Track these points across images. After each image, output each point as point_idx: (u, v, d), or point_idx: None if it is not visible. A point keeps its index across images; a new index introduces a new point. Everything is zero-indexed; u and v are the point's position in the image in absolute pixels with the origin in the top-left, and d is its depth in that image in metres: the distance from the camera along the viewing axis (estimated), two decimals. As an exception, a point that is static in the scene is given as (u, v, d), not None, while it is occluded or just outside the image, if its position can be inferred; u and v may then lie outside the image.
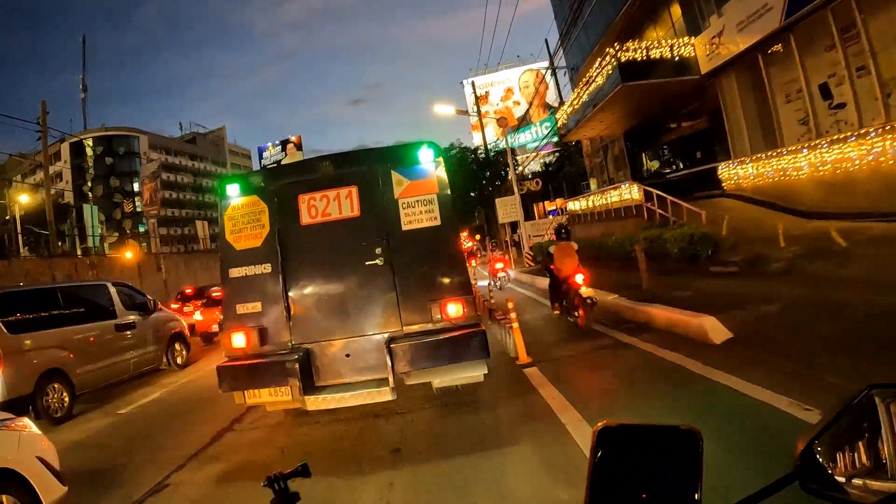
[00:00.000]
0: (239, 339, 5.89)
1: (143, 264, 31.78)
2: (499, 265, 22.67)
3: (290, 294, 5.98)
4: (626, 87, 18.54)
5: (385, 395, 5.51)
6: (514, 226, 46.60)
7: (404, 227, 5.87)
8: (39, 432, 4.81)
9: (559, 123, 28.52)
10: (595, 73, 20.67)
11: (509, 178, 42.35)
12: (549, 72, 42.35)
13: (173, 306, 21.78)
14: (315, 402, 5.62)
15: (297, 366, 5.52)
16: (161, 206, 79.98)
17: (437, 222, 5.86)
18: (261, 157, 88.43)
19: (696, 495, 0.91)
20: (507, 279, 22.55)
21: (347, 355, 5.85)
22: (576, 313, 9.79)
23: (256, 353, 5.85)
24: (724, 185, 17.88)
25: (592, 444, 1.01)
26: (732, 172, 17.65)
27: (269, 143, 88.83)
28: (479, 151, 43.21)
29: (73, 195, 73.25)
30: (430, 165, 6.01)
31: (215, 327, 17.79)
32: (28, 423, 4.76)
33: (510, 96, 64.25)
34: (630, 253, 15.47)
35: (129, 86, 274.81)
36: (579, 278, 9.53)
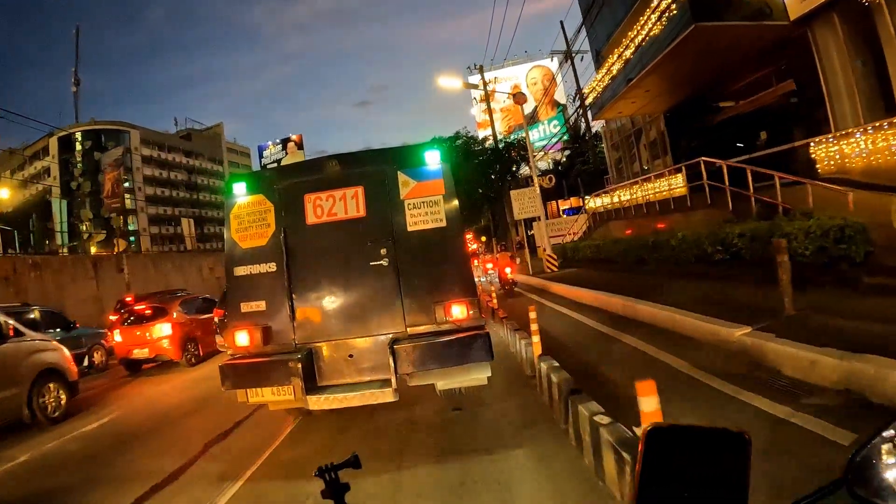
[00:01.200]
0: (242, 338, 5.83)
1: (101, 265, 27.17)
2: (507, 269, 20.45)
3: (295, 293, 5.90)
4: (700, 28, 14.00)
5: (387, 396, 5.38)
6: (527, 224, 42.21)
7: (410, 228, 5.80)
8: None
9: (589, 99, 23.88)
10: (643, 27, 16.08)
11: (522, 171, 38.66)
12: (566, 60, 37.69)
13: (112, 318, 17.63)
14: (317, 402, 5.50)
15: (299, 365, 5.42)
16: (152, 203, 78.41)
17: (443, 224, 5.79)
18: (261, 156, 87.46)
19: (744, 493, 0.89)
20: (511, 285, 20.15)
21: (350, 355, 5.78)
22: None
23: (260, 352, 5.79)
24: (817, 167, 13.42)
25: (642, 445, 0.99)
26: (832, 150, 13.13)
27: (270, 142, 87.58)
28: (486, 143, 38.53)
29: (59, 191, 69.32)
30: (437, 167, 5.90)
31: (141, 352, 13.19)
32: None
33: (515, 91, 59.94)
34: (710, 256, 10.91)
35: (130, 87, 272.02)
36: None
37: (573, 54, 36.89)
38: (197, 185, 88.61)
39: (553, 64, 56.13)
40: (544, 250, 23.56)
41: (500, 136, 39.59)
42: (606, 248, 18.53)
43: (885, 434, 0.92)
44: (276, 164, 76.61)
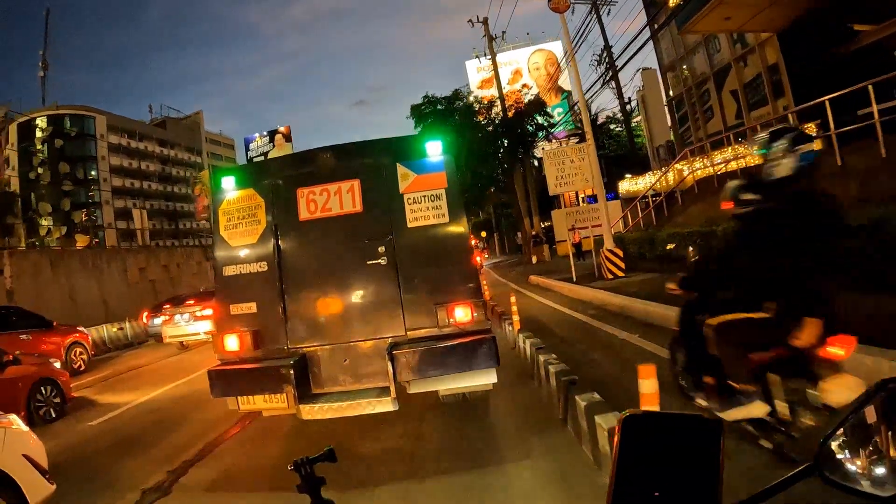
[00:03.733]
0: (232, 342, 5.49)
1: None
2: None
3: (287, 294, 5.52)
4: None
5: (386, 405, 5.01)
6: (542, 213, 33.73)
7: (410, 224, 5.41)
8: (27, 429, 4.65)
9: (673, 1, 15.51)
10: None
11: (540, 146, 30.77)
12: (592, 11, 29.18)
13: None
14: (310, 412, 5.11)
15: (291, 372, 5.05)
16: (119, 195, 70.69)
17: (445, 219, 5.40)
18: (247, 149, 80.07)
19: (717, 484, 0.90)
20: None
21: (346, 361, 5.42)
22: None
23: (250, 357, 5.45)
24: None
25: (618, 432, 1.00)
26: None
27: (257, 134, 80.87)
28: (493, 110, 30.02)
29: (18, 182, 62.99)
30: (439, 158, 5.49)
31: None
32: (14, 419, 4.57)
33: (518, 79, 54.91)
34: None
35: (122, 85, 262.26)
36: None
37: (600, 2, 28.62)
38: (172, 177, 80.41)
39: (557, 47, 50.41)
40: (608, 246, 15.07)
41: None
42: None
43: (852, 419, 0.92)
44: (263, 157, 70.76)
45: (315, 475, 1.46)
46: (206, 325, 14.55)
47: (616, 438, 1.00)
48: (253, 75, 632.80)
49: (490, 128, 29.05)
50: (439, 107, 28.49)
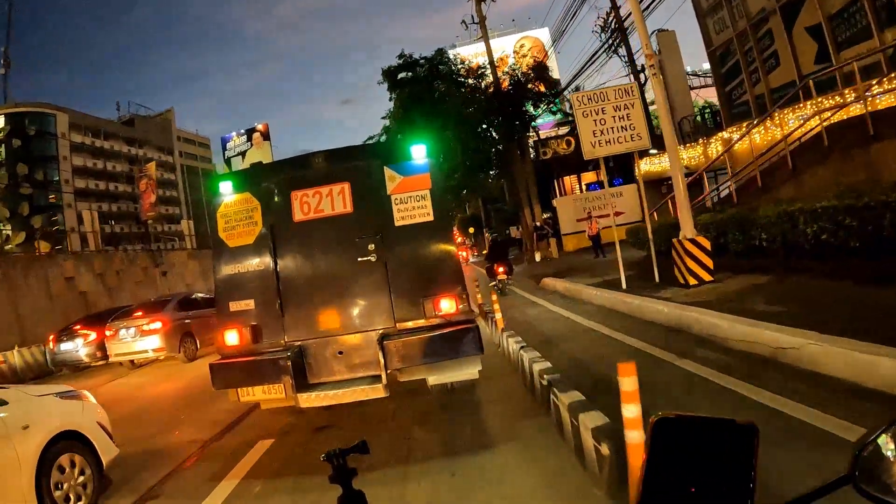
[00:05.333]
0: (232, 337, 5.72)
1: None
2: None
3: (283, 291, 5.72)
4: None
5: (378, 392, 5.24)
6: (543, 203, 29.05)
7: (397, 223, 5.64)
8: (96, 402, 5.55)
9: None
10: None
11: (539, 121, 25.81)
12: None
13: None
14: (308, 400, 5.34)
15: (289, 363, 5.27)
16: (84, 198, 65.42)
17: (430, 218, 5.63)
18: (224, 148, 75.67)
19: (751, 490, 0.87)
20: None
21: (340, 352, 5.62)
22: None
23: (249, 351, 5.66)
24: None
25: (648, 435, 0.97)
26: None
27: (234, 133, 76.66)
28: (484, 79, 25.04)
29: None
30: (423, 161, 5.69)
31: None
32: (87, 394, 5.56)
33: (503, 66, 49.32)
34: None
35: (105, 87, 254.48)
36: None
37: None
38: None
39: (544, 34, 48.31)
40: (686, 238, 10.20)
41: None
42: None
43: (892, 428, 0.88)
44: (240, 157, 70.15)
45: (347, 466, 1.46)
46: (155, 341, 13.25)
47: (646, 441, 0.96)
48: (237, 76, 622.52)
49: (482, 98, 24.16)
50: (419, 70, 23.55)
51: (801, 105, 14.23)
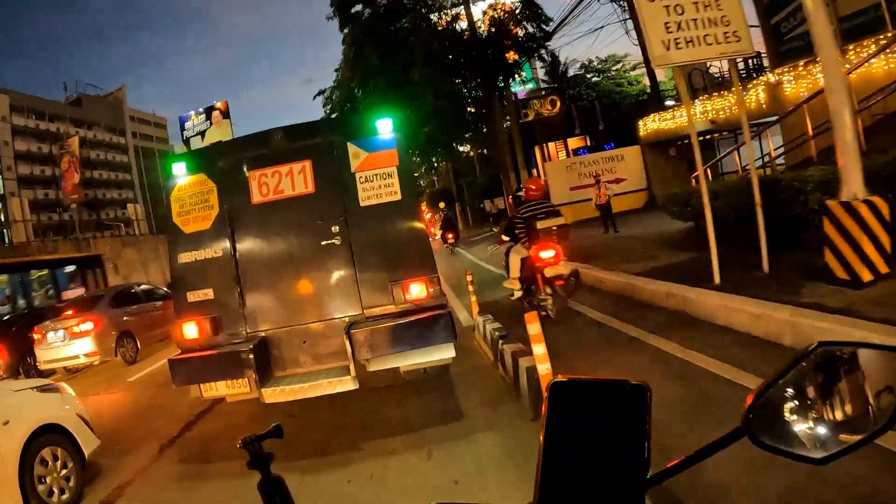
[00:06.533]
0: (191, 330, 5.40)
1: None
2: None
3: (243, 279, 5.43)
4: None
5: (346, 384, 4.94)
6: (528, 162, 25.21)
7: (362, 203, 5.33)
8: (74, 394, 5.54)
9: None
10: None
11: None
12: None
13: None
14: (273, 395, 5.01)
15: (251, 356, 4.96)
16: (29, 185, 60.43)
17: (398, 197, 5.31)
18: (182, 128, 70.17)
19: (645, 449, 0.88)
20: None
21: (306, 342, 5.36)
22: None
23: (210, 344, 5.36)
24: None
25: (545, 399, 0.96)
26: None
27: (193, 112, 70.84)
28: (457, 22, 20.46)
29: None
30: (389, 136, 5.36)
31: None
32: (66, 386, 5.56)
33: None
34: None
35: (63, 72, 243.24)
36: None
37: None
38: (91, 161, 69.48)
39: None
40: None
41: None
42: None
43: (784, 379, 0.89)
44: (199, 136, 63.54)
45: (263, 452, 1.39)
46: (87, 345, 11.60)
47: (544, 406, 0.96)
48: (197, 59, 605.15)
49: (457, 36, 19.61)
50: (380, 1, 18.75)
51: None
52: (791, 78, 14.00)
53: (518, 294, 8.26)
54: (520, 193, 9.09)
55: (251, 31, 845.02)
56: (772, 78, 15.30)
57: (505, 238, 8.76)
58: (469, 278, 8.78)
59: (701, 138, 22.42)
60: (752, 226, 6.77)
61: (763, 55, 18.28)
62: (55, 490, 4.66)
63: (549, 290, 7.65)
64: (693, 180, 13.70)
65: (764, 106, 15.72)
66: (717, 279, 6.72)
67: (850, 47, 11.75)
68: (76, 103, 72.83)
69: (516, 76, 20.55)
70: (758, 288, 6.04)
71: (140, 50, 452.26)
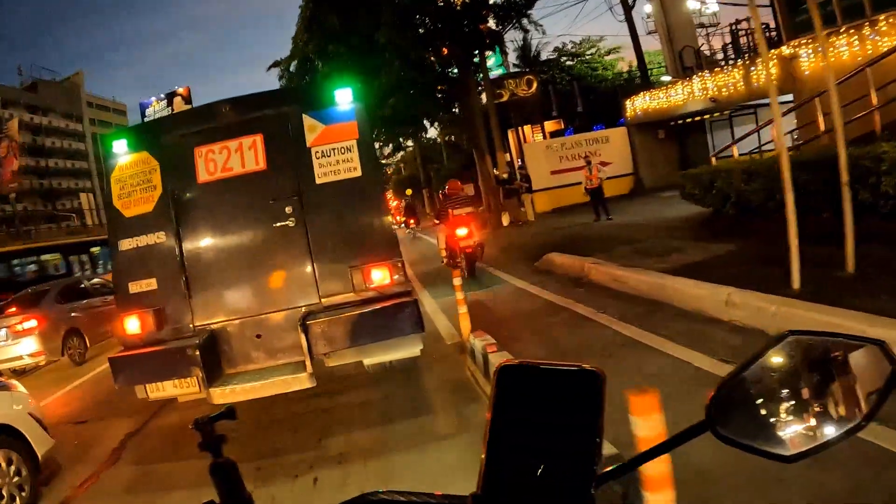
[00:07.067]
0: (133, 324, 4.93)
1: None
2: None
3: (189, 266, 4.98)
4: None
5: (302, 382, 4.51)
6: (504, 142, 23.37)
7: (318, 181, 4.87)
8: (26, 391, 5.12)
9: None
10: None
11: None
12: None
13: None
14: (222, 395, 4.52)
15: (198, 353, 4.52)
16: None
17: (358, 173, 4.85)
18: (143, 115, 66.91)
19: (598, 436, 0.84)
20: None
21: (259, 335, 4.90)
22: None
23: (154, 340, 4.90)
24: None
25: (493, 383, 0.92)
26: None
27: (154, 98, 67.73)
28: None
29: None
30: (349, 107, 4.93)
31: None
32: (17, 384, 5.19)
33: None
34: None
35: (20, 58, 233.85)
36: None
37: None
38: (46, 149, 66.21)
39: None
40: None
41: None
42: None
43: (746, 373, 0.85)
44: (167, 115, 61.37)
45: (215, 433, 1.30)
46: (30, 345, 10.51)
47: (491, 391, 0.92)
48: (159, 46, 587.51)
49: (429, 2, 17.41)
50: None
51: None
52: (809, 51, 12.36)
53: (445, 260, 11.76)
54: (445, 191, 11.84)
55: (217, 15, 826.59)
56: (786, 51, 13.67)
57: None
58: (457, 281, 6.67)
59: (690, 120, 20.93)
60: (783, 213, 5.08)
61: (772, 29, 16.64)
62: (5, 495, 4.33)
63: (462, 255, 10.77)
64: (713, 160, 12.02)
65: (775, 82, 14.15)
66: (796, 283, 5.00)
67: (881, 17, 10.30)
68: (31, 88, 69.15)
69: (496, 47, 18.50)
70: (852, 295, 4.36)
71: (102, 35, 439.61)
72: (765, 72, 14.41)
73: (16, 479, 4.44)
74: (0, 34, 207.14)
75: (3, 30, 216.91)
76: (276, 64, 18.16)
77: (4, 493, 4.32)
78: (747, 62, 15.28)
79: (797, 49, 13.40)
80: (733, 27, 17.64)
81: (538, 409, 0.89)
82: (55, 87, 72.84)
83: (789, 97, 14.20)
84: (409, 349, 4.93)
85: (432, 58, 17.50)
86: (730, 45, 21.18)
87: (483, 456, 0.87)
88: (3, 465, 4.37)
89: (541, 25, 18.07)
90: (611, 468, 0.84)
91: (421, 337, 4.90)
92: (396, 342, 4.75)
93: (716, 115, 20.27)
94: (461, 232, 10.60)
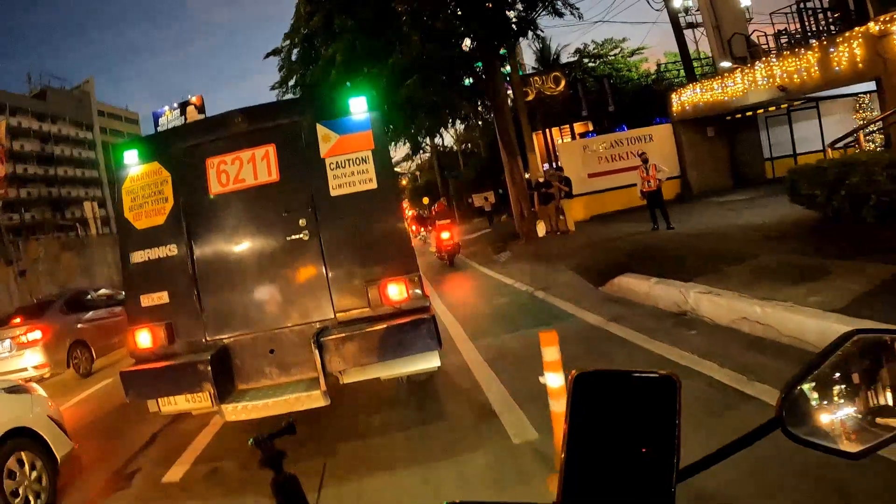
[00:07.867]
0: (144, 338, 4.85)
1: None
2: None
3: (200, 280, 4.86)
4: None
5: (316, 400, 4.36)
6: (522, 153, 20.94)
7: (333, 193, 4.75)
8: (46, 395, 5.15)
9: None
10: None
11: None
12: None
13: None
14: (234, 412, 4.44)
15: (209, 368, 4.41)
16: None
17: (373, 185, 4.70)
18: (156, 125, 66.33)
19: (675, 442, 0.83)
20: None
21: (272, 351, 4.75)
22: None
23: (165, 353, 4.80)
24: None
25: (569, 392, 0.90)
26: None
27: (167, 107, 67.15)
28: None
29: None
30: (364, 116, 4.76)
31: None
32: (36, 387, 5.20)
33: None
34: None
35: (34, 66, 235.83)
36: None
37: None
38: (55, 158, 65.07)
39: None
40: None
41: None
42: None
43: (817, 371, 0.85)
44: (179, 126, 60.56)
45: (275, 449, 1.37)
46: (35, 357, 10.34)
47: (567, 399, 0.91)
48: (179, 51, 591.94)
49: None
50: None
51: None
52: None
53: (436, 256, 17.24)
54: (435, 209, 13.77)
55: (228, 21, 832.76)
56: (874, 28, 11.42)
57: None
58: (543, 380, 4.29)
59: (741, 116, 18.66)
60: None
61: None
62: (31, 497, 4.35)
63: (445, 251, 16.21)
64: (829, 151, 9.79)
65: (860, 65, 11.85)
66: None
67: None
68: (40, 96, 68.08)
69: (529, 33, 16.25)
70: None
71: (115, 43, 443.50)
72: (847, 53, 12.36)
73: (35, 481, 4.46)
74: (10, 42, 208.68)
75: (13, 37, 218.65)
76: (275, 52, 16.11)
77: (30, 495, 4.34)
78: (824, 43, 13.03)
79: (889, 25, 11.17)
80: (800, 5, 15.38)
81: (615, 416, 0.87)
82: (65, 94, 72.21)
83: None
84: (427, 363, 4.72)
85: (462, 27, 15.13)
86: (783, 33, 18.91)
87: (562, 464, 0.85)
88: (25, 466, 4.39)
89: (577, 9, 15.76)
90: (686, 466, 0.82)
91: (437, 353, 4.68)
92: (412, 360, 4.59)
93: (771, 109, 18.00)
94: (444, 235, 16.15)
